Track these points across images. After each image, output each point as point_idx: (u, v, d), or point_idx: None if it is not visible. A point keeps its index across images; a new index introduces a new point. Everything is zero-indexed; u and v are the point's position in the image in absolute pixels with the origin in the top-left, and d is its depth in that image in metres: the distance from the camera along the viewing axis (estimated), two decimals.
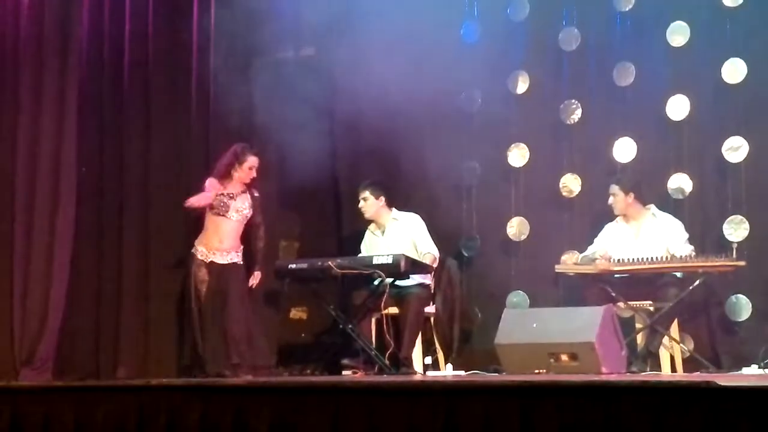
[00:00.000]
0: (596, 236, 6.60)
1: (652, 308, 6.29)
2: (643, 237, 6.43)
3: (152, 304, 7.13)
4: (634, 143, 6.81)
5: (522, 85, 7.21)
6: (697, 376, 5.47)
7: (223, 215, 6.65)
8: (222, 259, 6.65)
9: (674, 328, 6.25)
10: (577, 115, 7.03)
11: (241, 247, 6.73)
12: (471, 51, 7.28)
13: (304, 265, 6.57)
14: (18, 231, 7.10)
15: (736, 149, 6.48)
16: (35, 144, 7.16)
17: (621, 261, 6.25)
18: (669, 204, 6.62)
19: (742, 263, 6.02)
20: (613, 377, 5.20)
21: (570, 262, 6.53)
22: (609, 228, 6.58)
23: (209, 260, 6.63)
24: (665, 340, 6.19)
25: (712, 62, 6.60)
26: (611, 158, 6.89)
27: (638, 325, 6.34)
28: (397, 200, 6.99)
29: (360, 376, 6.22)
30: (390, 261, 6.26)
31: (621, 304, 6.26)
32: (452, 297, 6.85)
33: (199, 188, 6.73)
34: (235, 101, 7.04)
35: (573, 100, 7.04)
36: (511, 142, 7.18)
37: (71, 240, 7.11)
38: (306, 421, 3.90)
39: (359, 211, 6.93)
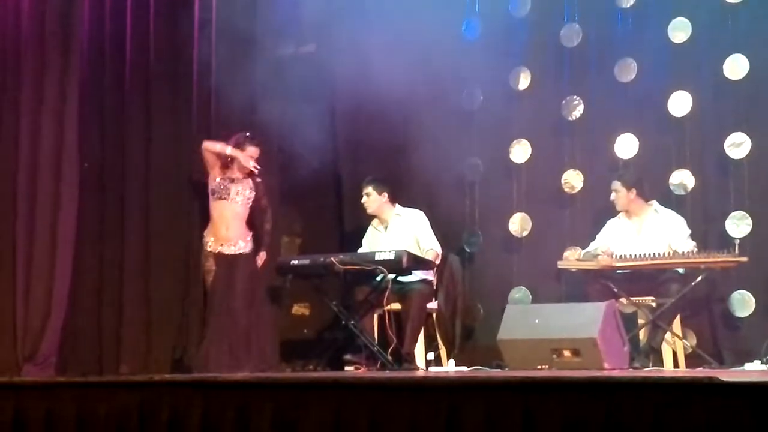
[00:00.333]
0: (598, 232, 6.60)
1: (654, 304, 6.29)
2: (645, 233, 6.43)
3: (154, 301, 7.12)
4: (636, 139, 6.81)
5: (524, 82, 7.22)
6: (699, 372, 5.45)
7: (225, 198, 6.66)
8: (229, 250, 6.65)
9: (677, 324, 6.25)
10: (578, 111, 7.03)
11: (250, 233, 6.74)
12: (472, 47, 7.29)
13: (307, 261, 6.55)
14: (20, 229, 7.10)
15: (738, 145, 6.47)
16: (37, 143, 7.15)
17: (623, 257, 6.25)
18: (671, 200, 6.62)
19: (744, 259, 6.02)
20: (616, 373, 5.20)
21: (572, 258, 6.53)
22: (611, 224, 6.58)
23: (217, 251, 6.64)
24: (667, 335, 6.19)
25: (714, 58, 6.60)
26: (613, 154, 6.89)
27: (641, 321, 6.34)
28: (399, 196, 7.00)
29: (362, 372, 6.21)
30: (392, 257, 6.24)
31: (623, 300, 6.27)
32: (455, 293, 6.85)
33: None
34: (237, 99, 7.03)
35: (575, 97, 7.04)
36: (513, 139, 7.19)
37: (73, 237, 7.10)
38: (308, 417, 3.89)
39: (361, 207, 6.94)
